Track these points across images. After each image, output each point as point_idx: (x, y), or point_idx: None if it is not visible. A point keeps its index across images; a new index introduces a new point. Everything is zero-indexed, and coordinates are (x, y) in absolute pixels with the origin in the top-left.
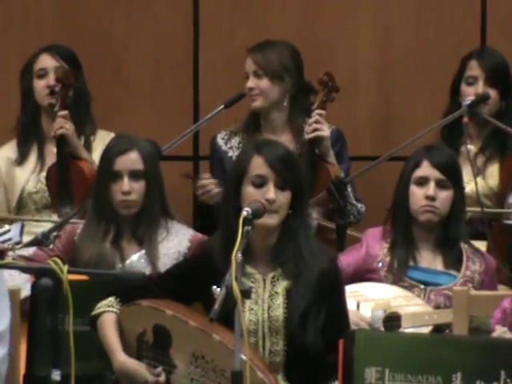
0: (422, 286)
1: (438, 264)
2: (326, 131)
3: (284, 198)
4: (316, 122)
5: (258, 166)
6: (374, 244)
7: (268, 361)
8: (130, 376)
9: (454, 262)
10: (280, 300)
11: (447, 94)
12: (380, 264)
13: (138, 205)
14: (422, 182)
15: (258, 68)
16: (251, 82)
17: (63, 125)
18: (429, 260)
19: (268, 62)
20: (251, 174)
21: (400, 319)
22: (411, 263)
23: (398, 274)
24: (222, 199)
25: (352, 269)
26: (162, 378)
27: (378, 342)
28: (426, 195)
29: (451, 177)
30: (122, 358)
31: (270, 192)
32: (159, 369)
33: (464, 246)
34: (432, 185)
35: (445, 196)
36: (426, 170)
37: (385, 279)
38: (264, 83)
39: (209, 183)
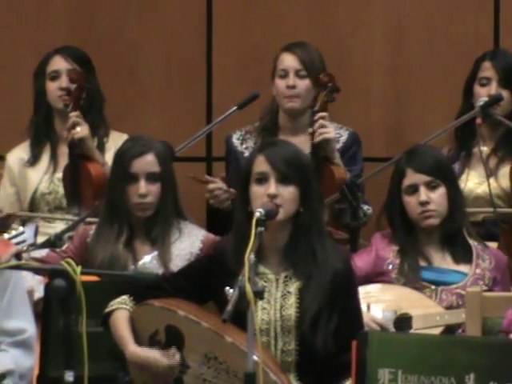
0: (433, 287)
1: (448, 261)
2: (331, 133)
3: (287, 192)
4: (320, 126)
5: (260, 163)
6: (383, 247)
7: (280, 360)
8: (143, 364)
9: (462, 255)
10: (292, 299)
11: (460, 95)
12: (390, 266)
13: (154, 207)
14: (412, 189)
15: (302, 68)
16: (292, 81)
17: (77, 128)
18: (438, 259)
19: (314, 64)
20: (254, 172)
21: (411, 320)
22: (422, 263)
23: (413, 277)
24: (235, 201)
25: (363, 273)
26: (177, 357)
27: (391, 343)
28: (419, 201)
29: (438, 175)
30: (133, 348)
31: (271, 187)
32: (173, 350)
33: (474, 244)
34: (422, 190)
35: (437, 195)
36: (411, 177)
37: (395, 281)
38: (305, 84)
39: (217, 188)
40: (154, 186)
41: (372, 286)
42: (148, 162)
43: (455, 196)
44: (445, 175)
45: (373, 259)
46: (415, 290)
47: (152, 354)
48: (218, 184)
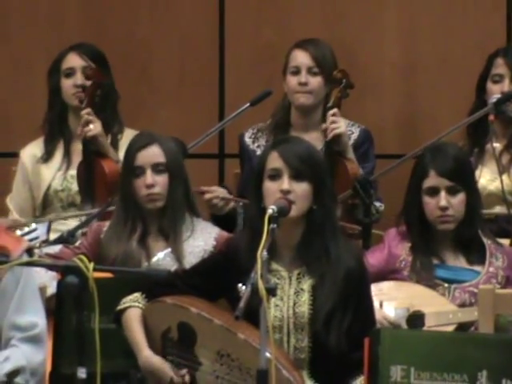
0: (446, 285)
1: (461, 261)
2: (342, 127)
3: (300, 188)
4: (332, 122)
5: (273, 160)
6: (395, 244)
7: (293, 357)
8: (154, 373)
9: (476, 258)
10: (305, 297)
11: (472, 92)
12: (403, 264)
13: (163, 198)
14: (433, 191)
15: (315, 65)
16: (305, 78)
17: (90, 126)
18: (452, 259)
19: (326, 61)
20: (267, 168)
21: (423, 318)
22: (435, 262)
23: (426, 275)
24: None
25: (375, 270)
26: (187, 379)
27: (404, 341)
28: (439, 206)
29: (460, 180)
30: (147, 354)
31: (284, 183)
32: (184, 371)
33: (487, 242)
34: (443, 194)
35: (458, 201)
36: (434, 180)
37: (408, 279)
38: (317, 81)
39: (213, 197)
40: (160, 177)
41: (385, 283)
42: (153, 153)
43: (474, 202)
44: (466, 181)
45: (385, 256)
46: (428, 288)
47: (164, 369)
48: (213, 193)
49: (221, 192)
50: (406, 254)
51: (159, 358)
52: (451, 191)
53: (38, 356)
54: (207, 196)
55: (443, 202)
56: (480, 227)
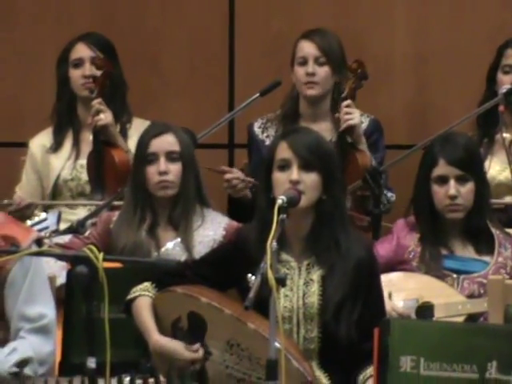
0: (455, 275)
1: (470, 251)
2: (356, 119)
3: (310, 179)
4: (345, 113)
5: (283, 150)
6: (404, 235)
7: (302, 348)
8: (166, 354)
9: (485, 248)
10: (315, 287)
11: (482, 83)
12: (411, 255)
13: (175, 186)
14: (442, 180)
15: (321, 55)
16: (312, 68)
17: (101, 115)
18: (460, 249)
19: (333, 50)
20: (277, 159)
21: (433, 309)
22: (444, 252)
23: (435, 266)
24: (257, 188)
25: (384, 260)
26: (200, 353)
27: (413, 331)
28: (448, 195)
29: (470, 170)
30: (157, 337)
31: (293, 173)
32: (197, 345)
33: (496, 232)
34: (452, 183)
35: (466, 190)
36: (443, 168)
37: (417, 270)
38: (324, 71)
39: (233, 177)
40: (174, 165)
41: (394, 274)
42: (167, 141)
43: (483, 191)
44: (476, 170)
45: (394, 247)
46: (437, 279)
47: (175, 346)
48: (234, 174)
49: (241, 174)
50: (415, 244)
51: (169, 339)
52: (460, 180)
53: (46, 347)
54: (228, 176)
55: (452, 191)
56: (489, 217)
